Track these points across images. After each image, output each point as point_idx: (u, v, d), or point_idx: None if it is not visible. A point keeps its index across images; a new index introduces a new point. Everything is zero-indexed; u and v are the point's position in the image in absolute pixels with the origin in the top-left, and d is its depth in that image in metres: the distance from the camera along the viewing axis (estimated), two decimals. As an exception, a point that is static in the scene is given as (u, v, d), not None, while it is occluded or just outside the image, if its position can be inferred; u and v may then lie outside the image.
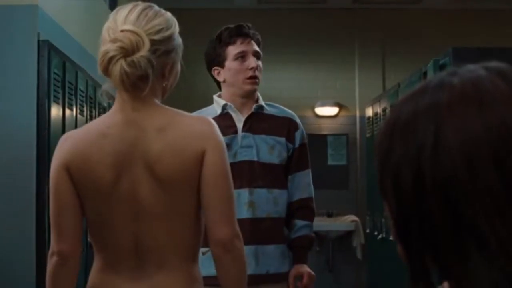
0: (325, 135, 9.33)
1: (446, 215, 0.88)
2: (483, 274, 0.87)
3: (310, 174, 3.35)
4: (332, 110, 9.38)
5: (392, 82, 7.65)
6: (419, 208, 0.90)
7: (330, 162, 9.28)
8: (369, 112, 7.45)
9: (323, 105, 9.34)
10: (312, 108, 9.38)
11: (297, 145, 3.29)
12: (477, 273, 0.88)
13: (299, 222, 3.32)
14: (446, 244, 0.89)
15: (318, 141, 9.27)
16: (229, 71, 3.22)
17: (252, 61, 3.19)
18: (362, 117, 8.62)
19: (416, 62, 6.36)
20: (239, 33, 3.21)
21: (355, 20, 9.40)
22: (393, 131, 0.95)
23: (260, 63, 3.26)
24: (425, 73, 5.04)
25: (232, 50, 3.20)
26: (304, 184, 3.31)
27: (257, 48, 3.24)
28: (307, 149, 3.35)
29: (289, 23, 9.42)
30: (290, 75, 9.42)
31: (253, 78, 3.21)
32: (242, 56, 3.20)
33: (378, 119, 6.89)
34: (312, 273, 3.26)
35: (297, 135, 3.29)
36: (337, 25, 9.42)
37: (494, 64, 0.95)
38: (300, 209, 3.32)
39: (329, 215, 9.16)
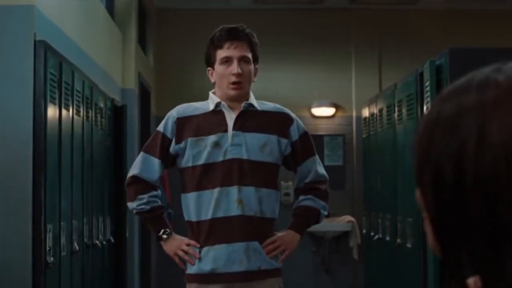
0: (321, 136, 9.33)
1: (485, 214, 0.86)
2: None
3: (317, 160, 3.44)
4: (328, 111, 9.38)
5: (389, 83, 7.65)
6: (458, 205, 0.88)
7: (326, 162, 9.27)
8: (366, 112, 7.46)
9: (319, 105, 9.34)
10: (309, 109, 9.38)
11: (295, 138, 3.35)
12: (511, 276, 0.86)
13: (301, 197, 3.43)
14: (482, 244, 0.87)
15: (314, 141, 9.21)
16: (216, 74, 3.29)
17: (235, 67, 3.23)
18: (359, 117, 8.63)
19: (413, 63, 6.36)
20: (228, 37, 3.25)
21: (352, 20, 9.41)
22: (434, 126, 0.92)
23: (249, 67, 3.29)
24: (421, 74, 5.04)
25: (219, 54, 3.26)
26: (308, 171, 3.39)
27: (244, 53, 3.27)
28: (309, 138, 3.44)
29: (285, 23, 9.42)
30: (286, 75, 9.42)
31: (236, 83, 3.24)
32: (227, 61, 3.24)
33: (375, 120, 6.90)
34: (286, 244, 3.34)
35: (292, 129, 3.34)
36: (334, 25, 9.43)
37: None
38: (304, 191, 3.41)
39: (326, 216, 9.15)
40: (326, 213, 3.44)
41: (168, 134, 3.27)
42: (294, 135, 3.34)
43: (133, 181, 3.31)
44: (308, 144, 3.41)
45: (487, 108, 0.87)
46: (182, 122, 3.26)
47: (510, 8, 9.29)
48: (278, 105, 3.42)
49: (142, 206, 3.27)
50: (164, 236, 3.30)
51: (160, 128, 3.30)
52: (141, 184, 3.28)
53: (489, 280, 0.88)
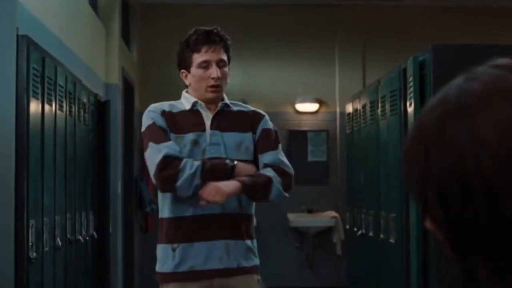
0: (305, 131, 9.34)
1: (497, 217, 0.86)
2: None
3: (278, 153, 3.30)
4: (312, 106, 9.39)
5: (372, 79, 7.67)
6: (469, 215, 0.88)
7: (310, 158, 9.29)
8: (349, 108, 7.47)
9: (303, 101, 9.35)
10: (293, 104, 9.39)
11: (260, 131, 3.32)
12: None
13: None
14: (498, 249, 0.87)
15: (298, 137, 9.28)
16: (193, 78, 3.29)
17: (214, 71, 3.24)
18: (342, 113, 8.64)
19: (396, 59, 6.38)
20: (205, 41, 3.26)
21: (336, 16, 9.42)
22: (425, 143, 0.92)
23: (226, 69, 3.31)
24: (404, 70, 5.05)
25: (197, 58, 3.26)
26: (266, 160, 3.28)
27: (222, 56, 3.28)
28: (272, 134, 3.35)
29: (269, 19, 9.42)
30: (270, 71, 9.42)
31: (215, 87, 3.26)
32: (205, 65, 3.25)
33: (358, 115, 6.91)
34: (216, 188, 3.11)
35: (261, 125, 3.33)
36: (318, 21, 9.43)
37: (501, 61, 0.95)
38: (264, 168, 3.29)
39: (309, 211, 9.18)
40: (282, 191, 3.23)
41: (162, 124, 3.23)
42: (259, 130, 3.33)
43: (165, 164, 3.12)
44: (269, 138, 3.33)
45: (473, 113, 0.88)
46: (166, 116, 3.26)
47: (495, 5, 9.33)
48: (250, 106, 3.45)
49: (195, 166, 3.12)
50: (232, 164, 3.17)
51: (149, 121, 3.25)
52: (175, 162, 3.13)
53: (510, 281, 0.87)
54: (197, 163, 3.13)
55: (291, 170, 3.31)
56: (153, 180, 3.18)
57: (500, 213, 0.86)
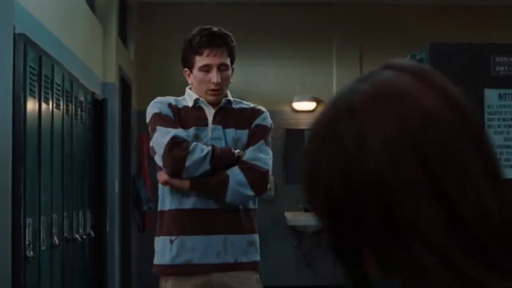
0: (302, 130, 9.34)
1: (382, 217, 0.87)
2: (426, 269, 0.85)
3: (256, 149, 3.28)
4: (309, 105, 9.40)
5: (370, 77, 7.67)
6: (356, 217, 0.89)
7: (307, 157, 9.29)
8: (347, 107, 7.48)
9: (300, 99, 9.36)
10: (290, 103, 9.40)
11: (252, 127, 3.32)
12: (420, 269, 0.86)
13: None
14: (388, 246, 0.88)
15: (295, 135, 9.28)
16: (195, 79, 3.31)
17: (214, 76, 3.25)
18: (340, 112, 8.64)
19: (394, 58, 6.38)
20: (207, 44, 3.25)
21: (333, 15, 9.42)
22: (316, 147, 0.94)
23: (227, 72, 3.31)
24: (402, 68, 5.05)
25: (199, 61, 3.27)
26: (244, 158, 3.26)
27: (223, 60, 3.28)
28: (261, 130, 3.33)
29: (267, 17, 9.42)
30: (268, 70, 9.42)
31: (215, 90, 3.28)
32: (206, 69, 3.26)
33: (356, 114, 6.92)
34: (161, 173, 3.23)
35: (255, 122, 3.33)
36: (316, 20, 9.44)
37: (395, 61, 0.98)
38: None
39: (307, 210, 9.18)
40: (244, 190, 3.18)
41: (169, 114, 3.25)
42: (253, 125, 3.33)
43: (174, 144, 3.13)
44: (258, 134, 3.31)
45: (358, 114, 0.90)
46: (172, 108, 3.28)
47: (493, 4, 9.33)
48: (251, 103, 3.45)
49: (205, 151, 3.14)
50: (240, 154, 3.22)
51: (156, 110, 3.26)
52: (184, 144, 3.15)
53: (407, 283, 0.88)
54: (207, 148, 3.15)
55: (263, 166, 3.25)
56: (160, 163, 3.19)
57: (388, 215, 0.87)
